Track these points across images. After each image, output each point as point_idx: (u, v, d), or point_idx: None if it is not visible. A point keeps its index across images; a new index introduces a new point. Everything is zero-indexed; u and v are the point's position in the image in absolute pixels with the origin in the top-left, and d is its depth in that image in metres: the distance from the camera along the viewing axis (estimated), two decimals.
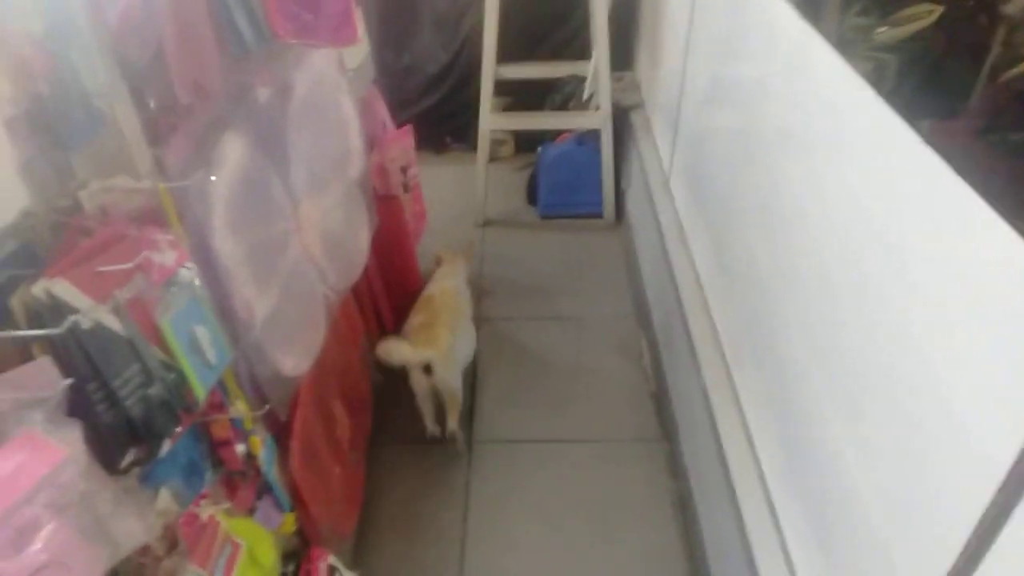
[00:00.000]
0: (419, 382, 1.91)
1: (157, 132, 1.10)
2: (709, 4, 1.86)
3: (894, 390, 0.90)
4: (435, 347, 1.89)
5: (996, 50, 3.11)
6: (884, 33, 3.55)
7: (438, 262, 2.28)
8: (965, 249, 0.76)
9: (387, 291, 2.11)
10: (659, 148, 2.47)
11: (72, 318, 0.82)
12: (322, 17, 1.28)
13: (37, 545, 0.67)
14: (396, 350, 1.86)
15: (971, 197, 0.73)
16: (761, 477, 1.38)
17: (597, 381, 2.21)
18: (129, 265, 0.92)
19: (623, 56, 2.97)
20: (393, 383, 2.12)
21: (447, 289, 2.11)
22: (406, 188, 2.23)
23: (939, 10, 3.44)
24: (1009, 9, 3.07)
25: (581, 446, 2.01)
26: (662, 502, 1.85)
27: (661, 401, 2.10)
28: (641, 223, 2.54)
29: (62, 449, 0.77)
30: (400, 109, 3.10)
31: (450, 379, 1.93)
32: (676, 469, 1.92)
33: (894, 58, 3.52)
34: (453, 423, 1.94)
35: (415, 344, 1.89)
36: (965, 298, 0.76)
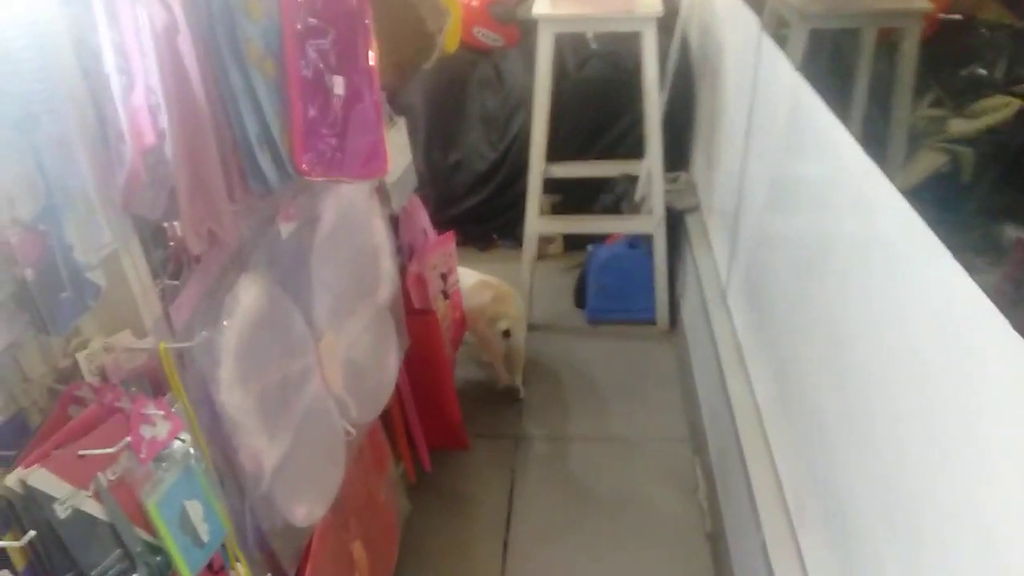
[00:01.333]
0: (499, 344, 2.38)
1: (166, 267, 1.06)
2: (767, 109, 1.79)
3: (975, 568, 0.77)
4: (513, 314, 2.37)
5: None
6: (958, 125, 3.39)
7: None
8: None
9: (419, 407, 2.02)
10: (716, 256, 2.36)
11: (31, 533, 0.74)
12: (349, 152, 1.22)
13: None
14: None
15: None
16: None
17: (647, 515, 2.03)
18: (113, 449, 0.84)
19: (678, 156, 2.90)
20: (421, 510, 2.01)
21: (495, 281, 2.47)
22: (446, 295, 2.16)
23: (1017, 103, 3.28)
24: None
25: None
26: None
27: (717, 544, 1.91)
28: (696, 335, 2.41)
29: None
30: (447, 206, 3.11)
31: (522, 341, 2.43)
32: None
33: (971, 151, 3.35)
34: (518, 379, 2.47)
35: (495, 313, 2.34)
36: None
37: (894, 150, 2.90)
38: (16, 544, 0.73)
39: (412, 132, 2.03)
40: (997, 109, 3.27)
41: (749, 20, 1.92)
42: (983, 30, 3.17)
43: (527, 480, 2.17)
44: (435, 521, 2.01)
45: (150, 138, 0.90)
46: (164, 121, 0.91)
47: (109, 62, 0.88)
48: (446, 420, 2.13)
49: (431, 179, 3.07)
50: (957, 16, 3.15)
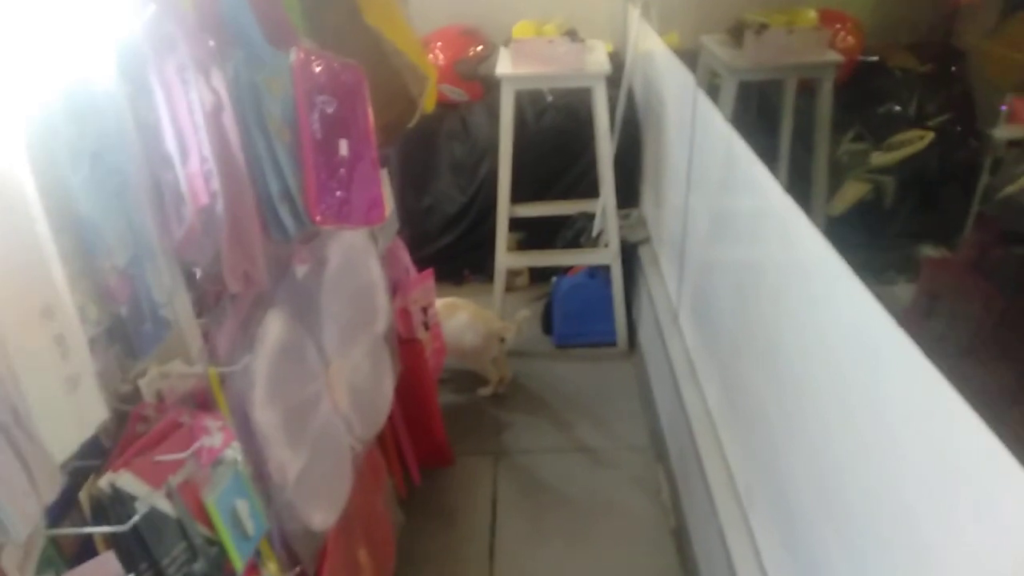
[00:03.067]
0: (496, 349, 2.73)
1: (204, 305, 1.23)
2: (704, 154, 2.02)
3: (895, 546, 0.94)
4: (504, 324, 2.75)
5: (986, 176, 3.26)
6: (879, 157, 3.74)
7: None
8: (934, 426, 0.83)
9: (409, 429, 2.19)
10: (667, 282, 2.59)
11: (137, 516, 0.90)
12: (355, 203, 1.42)
13: None
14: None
15: (941, 383, 0.79)
16: None
17: (618, 517, 2.23)
18: (184, 455, 1.01)
19: (629, 194, 3.15)
20: (412, 521, 2.17)
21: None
22: (427, 326, 2.34)
23: (929, 136, 3.64)
24: (998, 133, 3.25)
25: None
26: None
27: (681, 538, 2.11)
28: (653, 354, 2.62)
29: None
30: (421, 246, 3.26)
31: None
32: None
33: (892, 180, 3.69)
34: (507, 375, 2.83)
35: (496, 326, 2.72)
36: (939, 470, 0.82)
37: (818, 182, 3.20)
38: (122, 529, 0.90)
39: (388, 180, 2.23)
40: (912, 141, 3.62)
41: (686, 78, 2.17)
42: (896, 72, 3.52)
43: (508, 491, 2.35)
44: (426, 531, 2.17)
45: (204, 198, 1.09)
46: (215, 184, 1.10)
47: (168, 135, 1.06)
48: (432, 439, 2.31)
49: (406, 222, 3.22)
50: (874, 58, 3.49)
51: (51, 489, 0.76)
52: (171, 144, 1.07)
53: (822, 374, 1.19)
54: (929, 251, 3.22)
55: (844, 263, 1.06)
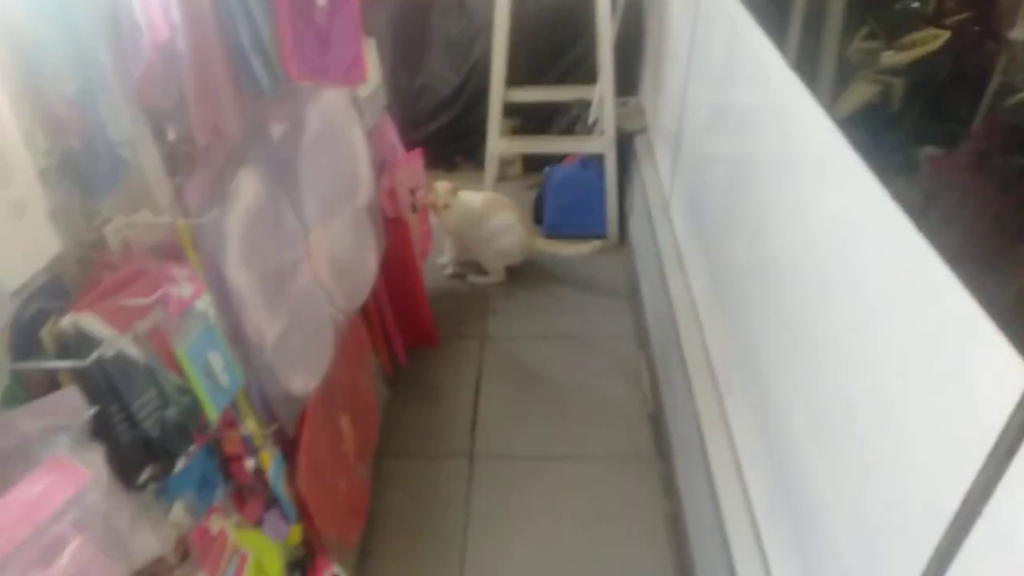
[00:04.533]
0: (521, 258, 2.76)
1: (176, 165, 1.19)
2: (708, 36, 1.93)
3: (864, 428, 0.96)
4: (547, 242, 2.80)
5: (998, 77, 3.15)
6: (890, 57, 3.59)
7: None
8: (920, 302, 0.82)
9: (394, 309, 2.19)
10: (660, 173, 2.54)
11: (98, 351, 0.89)
12: (333, 59, 1.36)
13: (63, 560, 0.75)
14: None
15: (928, 252, 0.79)
16: (747, 500, 1.44)
17: (597, 400, 2.27)
18: (149, 300, 0.99)
19: (628, 81, 3.04)
20: (398, 398, 2.21)
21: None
22: (414, 208, 2.31)
23: (945, 35, 3.48)
24: (1015, 35, 3.11)
25: (580, 463, 2.07)
26: (655, 520, 1.91)
27: (658, 422, 2.16)
28: (642, 246, 2.60)
29: (86, 472, 0.84)
30: (413, 129, 3.20)
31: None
32: (670, 489, 1.97)
33: (901, 82, 3.56)
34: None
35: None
36: (918, 348, 0.83)
37: (823, 80, 3.08)
38: (83, 364, 0.89)
39: (379, 57, 2.14)
40: (927, 41, 3.47)
41: None
42: None
43: (492, 372, 2.39)
44: (411, 407, 2.22)
45: (163, 31, 1.02)
46: (175, 16, 1.03)
47: None
48: (418, 320, 2.32)
49: (397, 103, 3.15)
50: None
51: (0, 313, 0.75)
52: None
53: (812, 266, 1.18)
54: (932, 151, 3.15)
55: (854, 152, 1.01)
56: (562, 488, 2.00)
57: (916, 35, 3.61)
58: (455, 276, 2.82)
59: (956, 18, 3.56)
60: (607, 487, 2.00)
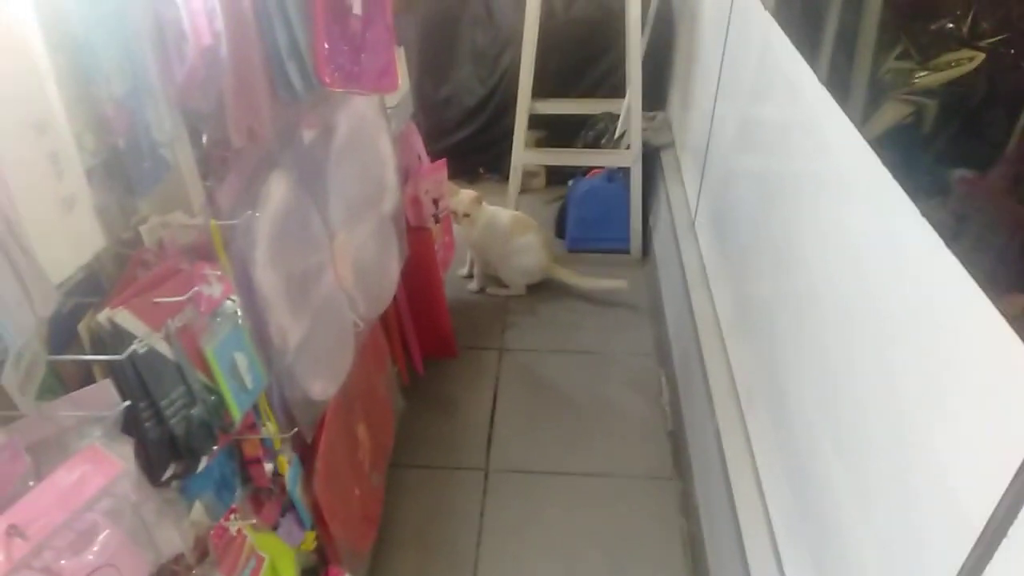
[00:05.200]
0: (539, 278, 2.78)
1: (209, 167, 1.21)
2: (739, 52, 1.93)
3: (889, 447, 0.95)
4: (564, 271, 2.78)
5: None
6: (924, 78, 3.56)
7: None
8: (950, 322, 0.82)
9: (414, 319, 2.20)
10: (687, 189, 2.53)
11: (132, 346, 0.90)
12: (365, 66, 1.37)
13: (95, 548, 0.76)
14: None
15: (959, 271, 0.78)
16: (768, 521, 1.42)
17: (615, 416, 2.25)
18: (182, 298, 1.00)
19: (656, 96, 3.04)
20: (414, 408, 2.20)
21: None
22: (437, 219, 2.32)
23: (980, 57, 3.45)
24: None
25: (596, 480, 2.06)
26: (672, 540, 1.89)
27: (677, 440, 2.13)
28: (666, 262, 2.59)
29: (119, 462, 0.85)
30: (437, 138, 3.21)
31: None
32: (688, 508, 1.95)
33: (934, 103, 3.52)
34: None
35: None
36: (949, 367, 0.81)
37: (855, 98, 3.06)
38: (118, 358, 0.90)
39: (406, 66, 2.15)
40: (961, 63, 3.44)
41: None
42: None
43: (509, 386, 2.38)
44: (427, 417, 2.21)
45: (207, 38, 1.04)
46: (218, 24, 1.05)
47: None
48: (438, 330, 2.32)
49: (423, 112, 3.17)
50: None
51: (45, 304, 0.76)
52: None
53: (842, 286, 1.16)
54: (964, 173, 3.12)
55: (887, 172, 1.01)
56: (578, 504, 1.99)
57: (951, 56, 3.58)
58: (479, 291, 2.81)
59: (991, 40, 3.54)
60: (624, 505, 1.98)
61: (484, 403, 2.30)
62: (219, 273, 1.08)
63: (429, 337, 2.30)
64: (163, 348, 1.00)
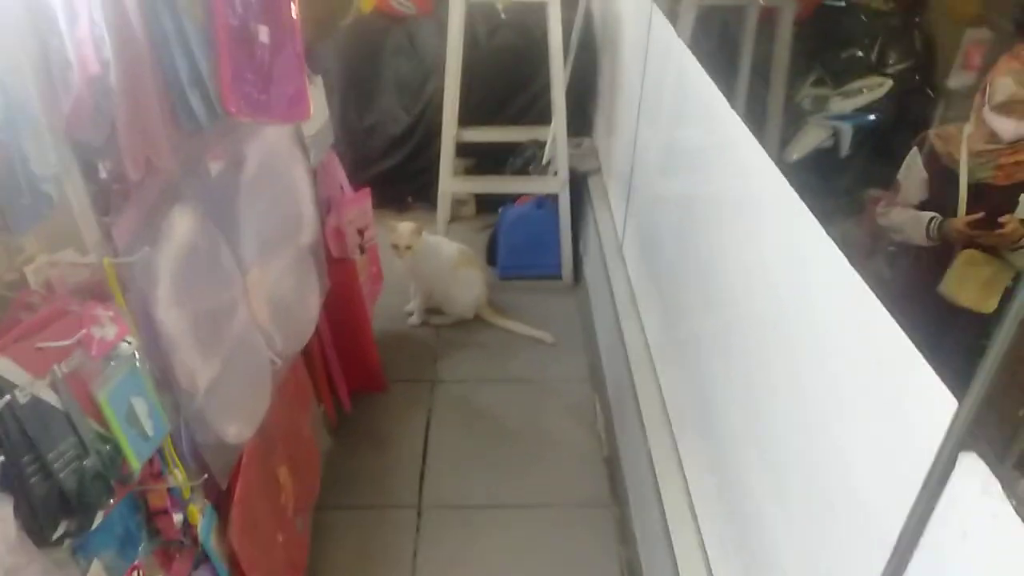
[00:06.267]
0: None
1: (108, 202, 1.14)
2: (658, 80, 1.96)
3: (806, 464, 0.96)
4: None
5: (936, 124, 3.28)
6: (839, 103, 3.72)
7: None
8: (854, 337, 0.83)
9: (339, 352, 2.13)
10: (614, 214, 2.55)
11: (7, 396, 0.83)
12: (275, 96, 1.33)
13: None
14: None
15: (862, 287, 0.80)
16: (701, 543, 1.41)
17: (551, 445, 2.22)
18: (68, 342, 0.93)
19: (582, 122, 3.08)
20: (342, 446, 2.13)
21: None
22: (362, 250, 2.26)
23: (889, 83, 3.62)
24: (952, 83, 3.25)
25: (532, 511, 2.02)
26: (611, 569, 1.86)
27: (613, 465, 2.12)
28: (596, 286, 2.60)
29: None
30: (363, 168, 3.17)
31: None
32: (625, 535, 1.93)
33: (850, 127, 3.68)
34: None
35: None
36: (854, 381, 0.83)
37: (772, 123, 3.16)
38: None
39: (328, 95, 2.11)
40: (872, 89, 3.61)
41: None
42: (862, 16, 3.47)
43: (442, 418, 2.32)
44: (356, 455, 2.14)
45: (95, 67, 0.99)
46: (107, 52, 1.00)
47: None
48: (365, 364, 2.25)
49: (347, 142, 3.12)
50: (840, 1, 3.43)
51: None
52: (57, 3, 0.96)
53: (760, 306, 1.18)
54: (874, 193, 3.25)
55: (795, 194, 1.02)
56: (515, 538, 1.94)
57: (862, 82, 3.74)
58: (420, 325, 2.75)
59: (898, 67, 3.71)
60: (562, 535, 1.95)
61: (416, 437, 2.24)
62: (112, 314, 1.01)
63: (356, 371, 2.23)
64: (49, 396, 0.93)
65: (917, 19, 3.48)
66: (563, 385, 2.46)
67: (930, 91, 3.44)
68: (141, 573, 1.13)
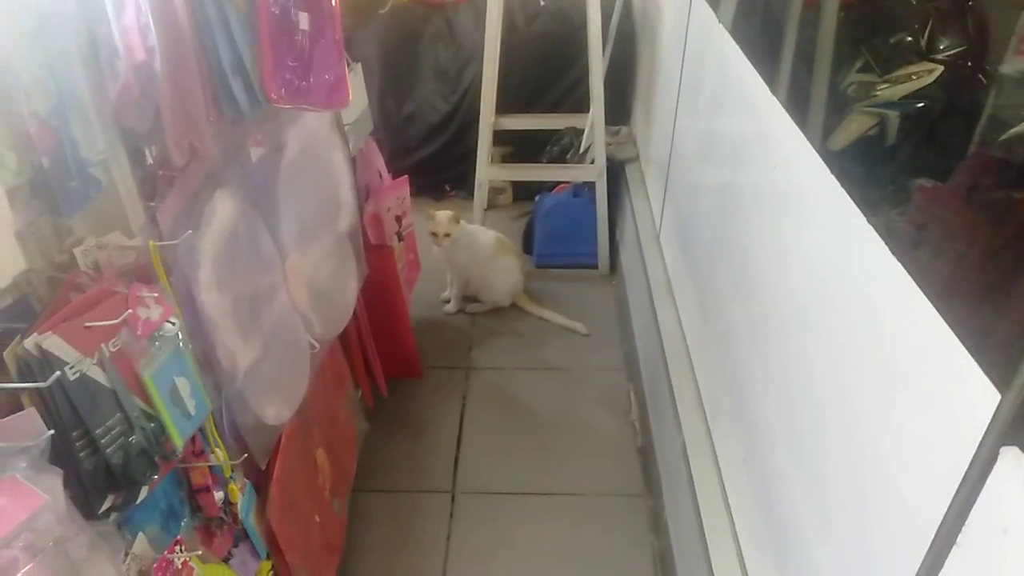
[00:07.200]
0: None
1: (154, 187, 1.17)
2: (697, 67, 1.94)
3: (845, 457, 0.94)
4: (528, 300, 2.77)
5: (989, 111, 3.16)
6: (885, 90, 3.61)
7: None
8: (897, 331, 0.81)
9: (376, 339, 2.16)
10: (651, 202, 2.53)
11: (57, 372, 0.86)
12: (315, 82, 1.34)
13: None
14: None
15: (906, 279, 0.78)
16: (734, 535, 1.40)
17: (584, 434, 2.22)
18: (115, 321, 0.96)
19: (620, 110, 3.05)
20: (378, 431, 2.16)
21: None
22: (400, 237, 2.29)
23: (939, 69, 3.50)
24: (1006, 69, 3.13)
25: (565, 499, 2.02)
26: (643, 559, 1.86)
27: (647, 456, 2.11)
28: (633, 276, 2.58)
29: (41, 496, 0.81)
30: (401, 156, 3.19)
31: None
32: (658, 525, 1.92)
33: (896, 115, 3.57)
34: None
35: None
36: (897, 374, 0.81)
37: (815, 111, 3.08)
38: (41, 386, 0.86)
39: (367, 84, 2.13)
40: (921, 75, 3.50)
41: None
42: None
43: (476, 406, 2.34)
44: (391, 440, 2.17)
45: (140, 54, 1.01)
46: (152, 39, 1.02)
47: None
48: (402, 350, 2.27)
49: (385, 130, 3.15)
50: None
51: None
52: None
53: (799, 296, 1.16)
54: (923, 183, 3.16)
55: (838, 184, 1.00)
56: (547, 525, 1.95)
57: (910, 68, 3.62)
58: (456, 313, 2.77)
59: (949, 52, 3.58)
60: (594, 524, 1.95)
61: (451, 424, 2.25)
62: (156, 295, 1.04)
63: (393, 357, 2.26)
64: (97, 374, 0.96)
65: (969, 2, 3.36)
66: (598, 374, 2.46)
67: (983, 78, 3.33)
68: (183, 548, 1.16)
